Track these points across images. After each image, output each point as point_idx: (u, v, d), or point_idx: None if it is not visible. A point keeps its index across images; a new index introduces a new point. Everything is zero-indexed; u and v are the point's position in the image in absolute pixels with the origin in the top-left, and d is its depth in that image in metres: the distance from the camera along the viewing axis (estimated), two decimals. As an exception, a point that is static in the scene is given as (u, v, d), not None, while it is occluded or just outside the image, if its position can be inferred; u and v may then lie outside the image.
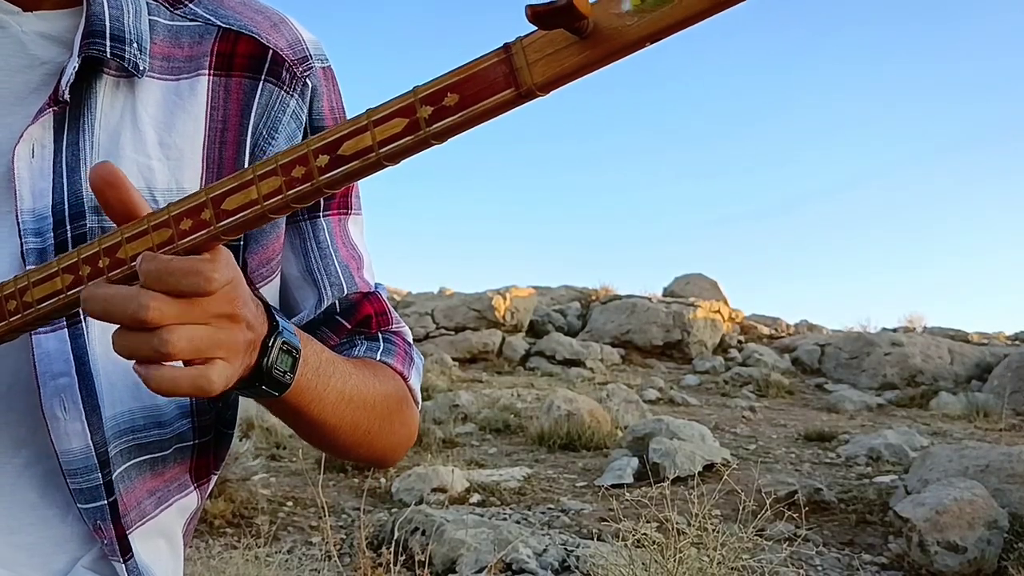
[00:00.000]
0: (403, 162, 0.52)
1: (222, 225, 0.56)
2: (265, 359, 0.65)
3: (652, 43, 0.44)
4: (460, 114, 0.48)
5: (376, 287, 0.90)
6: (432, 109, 0.49)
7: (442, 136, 0.50)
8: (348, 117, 0.86)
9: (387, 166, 0.52)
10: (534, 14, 0.44)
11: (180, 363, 0.58)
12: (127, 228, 0.59)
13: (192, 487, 0.83)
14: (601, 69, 0.46)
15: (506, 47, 0.47)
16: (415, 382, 0.90)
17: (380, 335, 0.88)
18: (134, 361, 0.58)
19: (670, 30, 0.44)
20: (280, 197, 0.54)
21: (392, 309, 0.91)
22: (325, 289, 0.85)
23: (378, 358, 0.85)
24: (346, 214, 0.88)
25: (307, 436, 0.82)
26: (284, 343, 0.66)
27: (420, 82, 0.50)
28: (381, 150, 0.51)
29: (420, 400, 0.92)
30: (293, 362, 0.67)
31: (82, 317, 0.73)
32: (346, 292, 0.86)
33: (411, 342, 0.92)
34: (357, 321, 0.86)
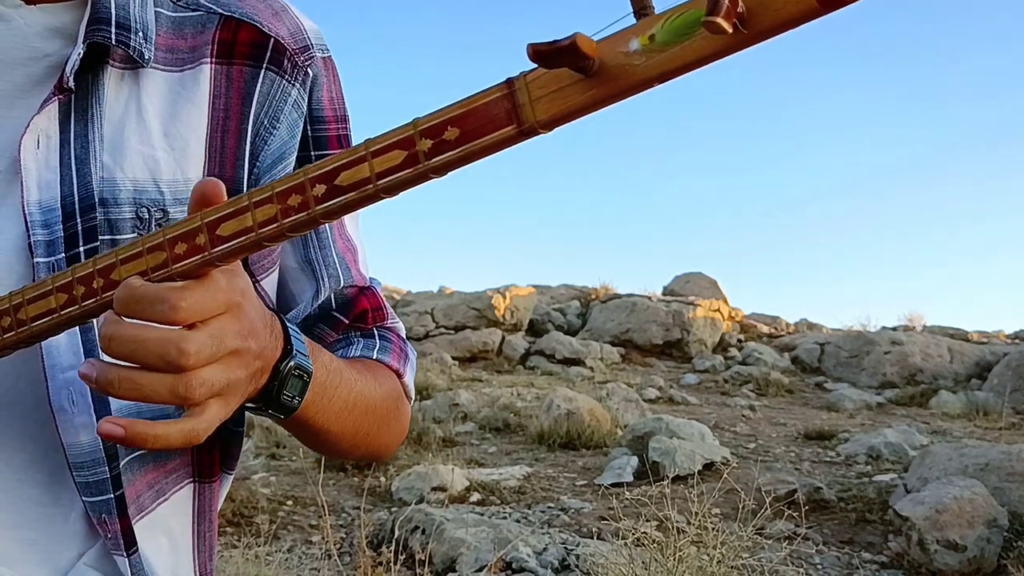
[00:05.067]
0: (400, 195, 0.51)
1: (217, 251, 0.55)
2: (274, 384, 0.65)
3: (660, 83, 0.43)
4: (460, 149, 0.47)
5: (371, 281, 0.90)
6: (432, 143, 0.48)
7: (441, 170, 0.49)
8: (347, 113, 0.87)
9: (384, 198, 0.51)
10: (536, 53, 0.42)
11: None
12: (121, 250, 0.58)
13: (190, 480, 0.83)
14: (607, 107, 0.45)
15: (509, 82, 0.46)
16: (409, 379, 0.90)
17: (376, 331, 0.88)
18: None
19: (678, 71, 0.42)
20: (276, 225, 0.53)
21: (387, 304, 0.91)
22: (323, 280, 0.85)
23: (375, 356, 0.86)
24: None
25: (307, 442, 0.82)
26: (296, 367, 0.66)
27: (420, 114, 0.49)
28: (379, 182, 0.50)
29: (413, 396, 0.92)
30: (303, 386, 0.67)
31: None
32: (343, 284, 0.86)
33: (405, 338, 0.92)
34: (354, 316, 0.86)
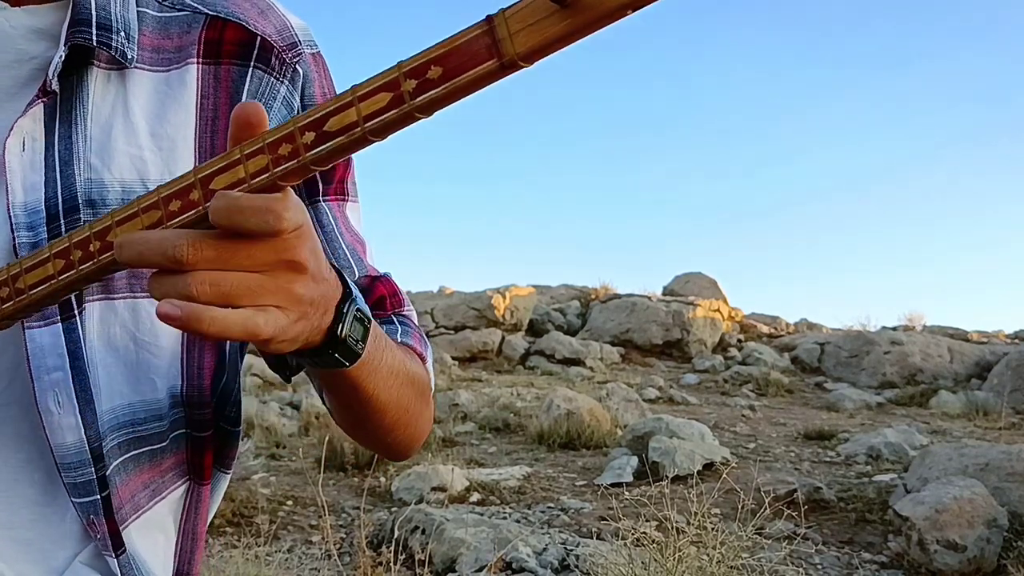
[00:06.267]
0: (390, 136, 0.52)
1: (211, 204, 0.56)
2: (340, 325, 0.63)
3: (634, 11, 0.45)
4: (444, 86, 0.48)
5: (384, 273, 0.89)
6: (416, 82, 0.49)
7: (426, 109, 0.50)
8: None
9: (373, 141, 0.52)
10: None
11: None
12: (117, 212, 0.59)
13: (186, 479, 0.83)
14: (585, 37, 0.46)
15: (488, 19, 0.47)
16: (430, 365, 0.89)
17: (394, 317, 0.87)
18: (184, 303, 0.55)
19: None
20: (267, 175, 0.54)
21: (402, 291, 0.90)
22: None
23: (399, 340, 0.84)
24: (344, 200, 0.88)
25: (355, 416, 0.79)
26: (358, 310, 0.65)
27: (404, 57, 0.50)
28: (366, 124, 0.51)
29: (433, 386, 0.91)
30: (364, 331, 0.66)
31: (76, 311, 0.73)
32: (357, 275, 0.85)
33: (420, 326, 0.91)
34: (372, 303, 0.85)
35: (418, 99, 0.49)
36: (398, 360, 0.76)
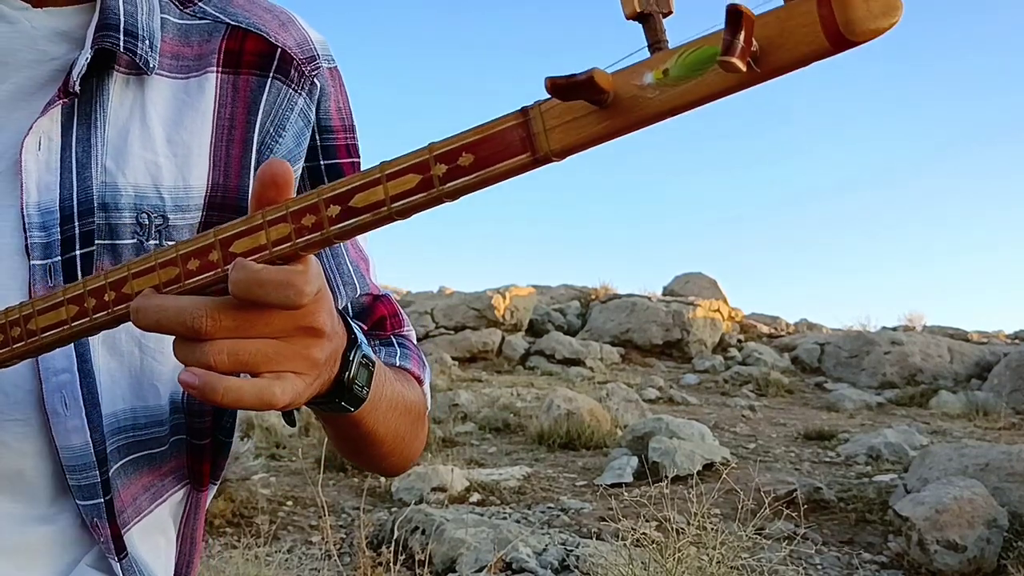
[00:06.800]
0: (412, 217, 0.51)
1: (231, 275, 0.55)
2: (346, 373, 0.64)
3: (672, 116, 0.44)
4: (474, 175, 0.48)
5: (384, 293, 0.90)
6: (446, 168, 0.48)
7: (455, 195, 0.49)
8: (354, 123, 0.87)
9: (397, 220, 0.51)
10: (554, 86, 0.43)
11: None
12: (133, 264, 0.59)
13: (185, 483, 0.83)
14: (620, 138, 0.46)
15: (524, 111, 0.47)
16: (427, 387, 0.90)
17: (393, 338, 0.88)
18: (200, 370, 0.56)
19: (691, 106, 0.43)
20: (289, 244, 0.53)
21: (402, 311, 0.90)
22: (339, 288, 0.85)
23: (398, 364, 0.85)
24: None
25: (352, 448, 0.81)
26: (364, 356, 0.65)
27: (436, 139, 0.49)
28: (393, 205, 0.50)
29: (430, 405, 0.92)
30: (369, 376, 0.67)
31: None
32: (359, 292, 0.86)
33: (419, 346, 0.92)
34: (372, 323, 0.86)
35: (447, 185, 0.48)
36: (396, 392, 0.76)
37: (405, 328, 0.90)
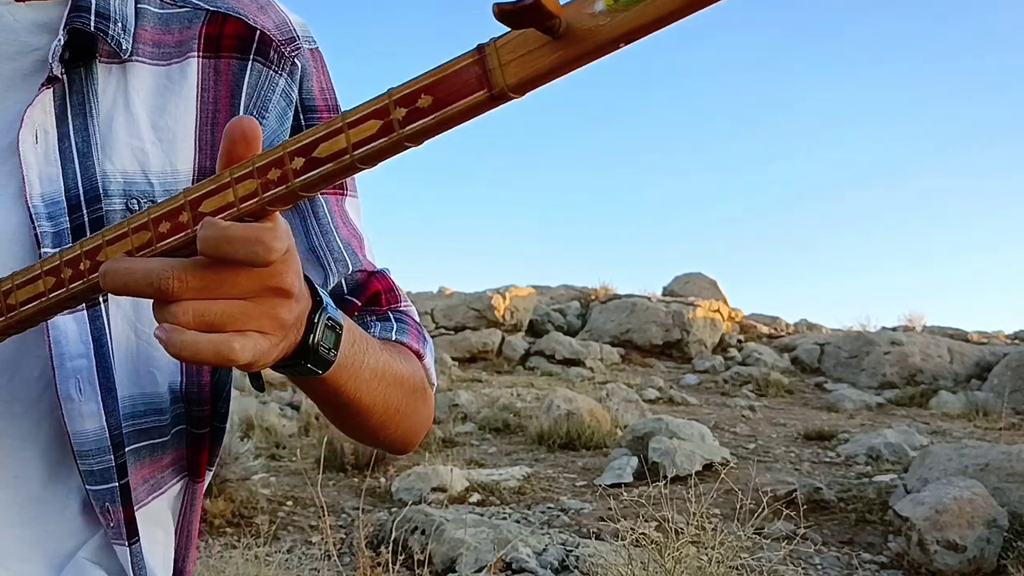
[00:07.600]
0: (379, 164, 0.52)
1: (199, 233, 0.55)
2: (311, 336, 0.64)
3: (626, 43, 0.44)
4: (434, 116, 0.48)
5: (381, 269, 0.89)
6: (406, 111, 0.48)
7: (416, 138, 0.49)
8: (339, 103, 0.87)
9: (362, 168, 0.52)
10: (501, 13, 0.43)
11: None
12: (107, 231, 0.59)
13: (184, 475, 0.84)
14: (576, 70, 0.46)
15: (479, 48, 0.47)
16: (430, 361, 0.90)
17: (390, 313, 0.88)
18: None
19: (644, 30, 0.43)
20: (256, 200, 0.54)
21: (399, 287, 0.90)
22: (330, 266, 0.84)
23: (393, 337, 0.85)
24: (342, 195, 0.88)
25: (339, 417, 0.81)
26: (329, 319, 0.65)
27: (394, 84, 0.50)
28: (355, 152, 0.50)
29: (435, 381, 0.91)
30: (336, 338, 0.66)
31: (101, 298, 0.73)
32: (351, 269, 0.85)
33: (420, 323, 0.92)
34: (366, 299, 0.86)
35: (407, 128, 0.49)
36: (383, 362, 0.76)
37: (403, 304, 0.89)
